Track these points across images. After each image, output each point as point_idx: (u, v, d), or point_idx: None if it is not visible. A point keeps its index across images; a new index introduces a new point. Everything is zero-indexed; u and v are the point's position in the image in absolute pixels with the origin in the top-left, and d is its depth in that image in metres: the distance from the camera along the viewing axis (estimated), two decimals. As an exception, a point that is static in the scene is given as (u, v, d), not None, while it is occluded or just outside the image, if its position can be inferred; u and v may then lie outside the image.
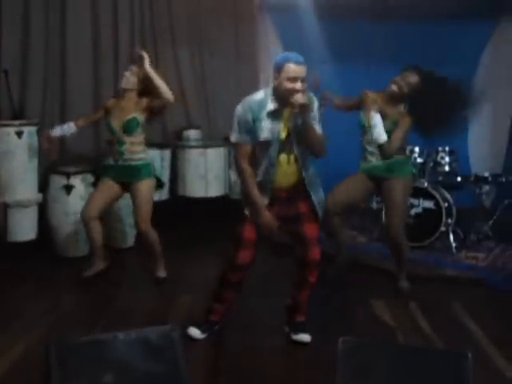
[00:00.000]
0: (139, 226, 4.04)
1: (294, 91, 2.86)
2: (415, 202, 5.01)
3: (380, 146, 3.87)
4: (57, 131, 4.12)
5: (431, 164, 5.18)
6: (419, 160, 5.20)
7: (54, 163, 4.76)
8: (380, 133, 3.82)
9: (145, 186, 4.04)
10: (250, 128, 2.98)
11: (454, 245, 4.94)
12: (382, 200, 4.31)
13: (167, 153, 5.54)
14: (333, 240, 4.27)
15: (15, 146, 4.46)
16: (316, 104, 3.04)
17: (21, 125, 4.54)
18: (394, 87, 3.90)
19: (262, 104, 2.97)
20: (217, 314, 3.31)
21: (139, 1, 5.76)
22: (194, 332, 3.23)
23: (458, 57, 6.02)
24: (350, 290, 4.12)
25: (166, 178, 5.55)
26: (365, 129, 3.99)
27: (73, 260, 4.58)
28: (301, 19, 5.75)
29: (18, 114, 4.91)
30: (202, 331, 3.26)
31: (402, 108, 3.95)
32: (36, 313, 3.60)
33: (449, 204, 5.00)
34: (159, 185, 4.27)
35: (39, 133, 4.63)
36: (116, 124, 4.02)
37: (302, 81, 2.91)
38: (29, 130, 4.54)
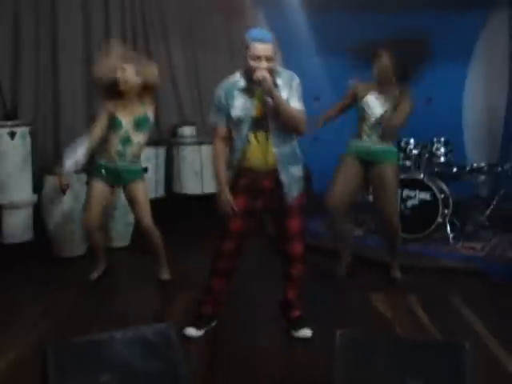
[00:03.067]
0: (145, 224, 3.93)
1: (257, 69, 2.90)
2: (411, 193, 5.01)
3: (382, 125, 3.94)
4: (69, 165, 3.69)
5: (427, 155, 5.18)
6: (415, 151, 5.21)
7: (48, 164, 4.74)
8: (377, 110, 3.95)
9: (142, 184, 3.97)
10: (224, 107, 3.04)
11: (451, 236, 4.95)
12: (372, 186, 4.22)
13: (162, 150, 5.53)
14: (337, 240, 4.28)
15: (8, 147, 4.43)
16: (296, 81, 3.03)
17: (13, 125, 4.52)
18: (378, 75, 3.94)
19: (235, 83, 3.04)
20: (208, 306, 3.27)
21: (130, -1, 5.74)
22: (190, 331, 3.21)
23: (452, 46, 6.02)
24: (347, 282, 4.12)
25: (161, 175, 5.54)
26: (364, 113, 4.01)
27: (69, 260, 4.57)
28: (291, 13, 5.73)
29: (10, 114, 4.90)
30: (198, 328, 3.23)
31: (397, 92, 3.93)
32: (33, 314, 3.58)
33: (445, 195, 5.00)
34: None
35: (32, 133, 4.60)
36: (126, 121, 3.82)
37: (268, 59, 2.92)
38: (22, 131, 4.51)
